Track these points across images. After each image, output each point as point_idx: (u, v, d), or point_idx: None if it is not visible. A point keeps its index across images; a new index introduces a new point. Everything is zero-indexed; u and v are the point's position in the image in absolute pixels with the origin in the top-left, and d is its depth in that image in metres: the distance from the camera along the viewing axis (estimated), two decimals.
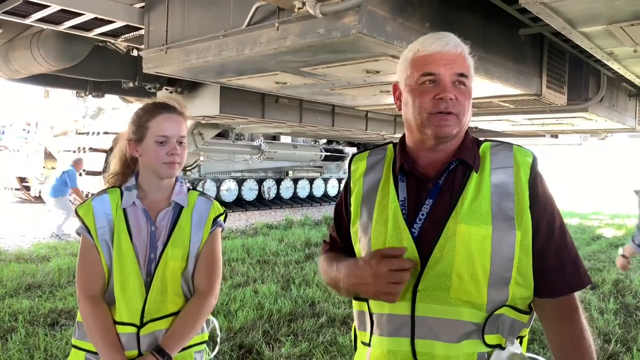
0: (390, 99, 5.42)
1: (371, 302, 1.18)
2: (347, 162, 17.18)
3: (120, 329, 1.59)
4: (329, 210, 15.11)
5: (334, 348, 4.01)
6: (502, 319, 1.12)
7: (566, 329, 1.16)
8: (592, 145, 14.43)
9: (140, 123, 1.66)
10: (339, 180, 17.74)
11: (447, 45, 1.16)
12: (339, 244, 1.37)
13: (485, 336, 1.11)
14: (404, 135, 1.29)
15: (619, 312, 5.15)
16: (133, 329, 1.59)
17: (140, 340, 1.59)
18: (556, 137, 10.79)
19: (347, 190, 1.33)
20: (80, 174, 9.67)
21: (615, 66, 4.24)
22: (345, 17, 2.72)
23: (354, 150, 17.25)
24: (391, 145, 1.33)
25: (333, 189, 17.47)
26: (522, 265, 1.12)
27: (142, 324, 1.59)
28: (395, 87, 1.27)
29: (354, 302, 1.27)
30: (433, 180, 1.19)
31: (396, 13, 2.96)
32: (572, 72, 5.29)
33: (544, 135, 10.33)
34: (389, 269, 1.09)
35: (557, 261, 1.15)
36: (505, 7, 3.58)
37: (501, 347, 1.12)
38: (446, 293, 1.10)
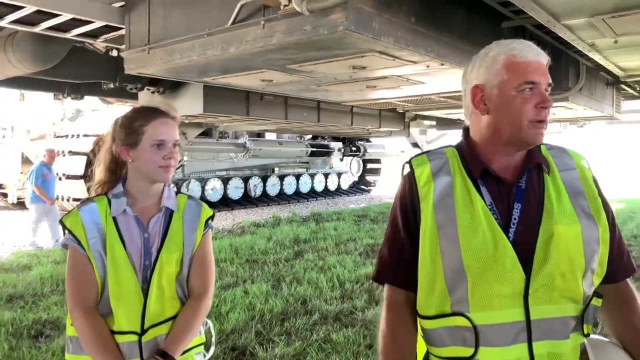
0: (375, 94, 5.41)
1: (474, 313, 1.15)
2: (333, 156, 17.21)
3: (120, 338, 1.57)
4: (316, 206, 15.12)
5: (328, 345, 4.00)
6: (592, 308, 1.19)
7: (632, 309, 1.26)
8: (571, 133, 14.69)
9: (134, 128, 1.63)
10: (326, 176, 17.67)
11: (540, 54, 1.22)
12: (406, 260, 1.26)
13: (584, 326, 1.18)
14: (466, 140, 1.29)
15: None
16: (134, 337, 1.58)
17: (143, 346, 1.59)
18: None
19: (413, 195, 1.25)
20: (49, 170, 8.83)
21: (596, 57, 4.30)
22: (332, 13, 2.70)
23: (339, 145, 17.20)
24: (452, 148, 1.31)
25: (320, 184, 17.40)
26: (602, 257, 1.20)
27: (144, 331, 1.59)
28: (478, 89, 1.24)
29: (432, 322, 1.20)
30: (514, 184, 1.21)
31: (382, 9, 2.94)
32: (552, 63, 5.30)
33: None
34: None
35: (619, 251, 1.25)
36: (488, 0, 3.58)
37: (588, 335, 1.20)
38: (552, 292, 1.14)
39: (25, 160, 13.91)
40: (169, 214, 1.69)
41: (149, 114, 1.65)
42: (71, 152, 11.99)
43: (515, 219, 1.17)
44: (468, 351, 1.15)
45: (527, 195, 1.20)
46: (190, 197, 1.78)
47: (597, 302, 1.20)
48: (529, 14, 3.10)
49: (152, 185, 1.67)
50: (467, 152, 1.27)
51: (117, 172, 1.72)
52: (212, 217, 1.78)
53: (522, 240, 1.15)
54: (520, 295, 1.13)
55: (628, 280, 1.28)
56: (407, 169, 1.31)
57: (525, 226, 1.16)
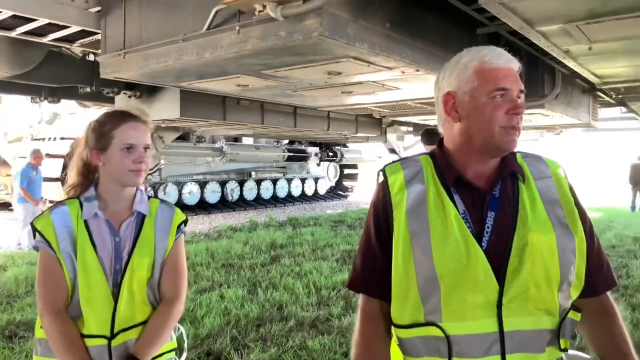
0: (351, 99, 5.44)
1: (447, 323, 1.13)
2: (310, 161, 17.20)
3: (90, 341, 1.56)
4: (293, 210, 15.09)
5: (303, 352, 3.99)
6: (568, 322, 1.16)
7: (612, 324, 1.23)
8: (548, 140, 14.93)
9: (104, 132, 1.63)
10: (303, 181, 17.65)
11: (512, 61, 1.21)
12: (379, 269, 1.24)
13: (560, 340, 1.15)
14: (439, 148, 1.28)
15: None
16: (104, 341, 1.57)
17: (112, 351, 1.58)
18: None
19: (386, 203, 1.23)
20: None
21: (571, 64, 4.34)
22: (306, 19, 2.71)
23: (316, 150, 17.22)
24: (426, 156, 1.29)
25: (297, 189, 17.37)
26: (580, 268, 1.17)
27: (113, 335, 1.58)
28: (450, 96, 1.23)
29: (407, 331, 1.18)
30: (488, 192, 1.19)
31: (357, 15, 2.97)
32: (528, 70, 5.41)
33: None
34: None
35: (598, 262, 1.23)
36: (463, 7, 3.64)
37: (566, 350, 1.17)
38: (526, 303, 1.12)
39: (2, 163, 13.66)
40: (141, 218, 1.68)
41: (119, 117, 1.65)
42: (48, 155, 11.79)
43: (488, 227, 1.16)
44: None
45: (501, 204, 1.18)
46: (162, 201, 1.78)
47: (574, 315, 1.17)
48: (503, 21, 3.15)
49: (124, 189, 1.67)
50: (441, 160, 1.25)
51: (89, 175, 1.71)
52: (184, 222, 1.77)
53: (495, 249, 1.13)
54: (493, 306, 1.11)
55: (608, 293, 1.25)
56: (380, 177, 1.29)
57: (498, 235, 1.14)
